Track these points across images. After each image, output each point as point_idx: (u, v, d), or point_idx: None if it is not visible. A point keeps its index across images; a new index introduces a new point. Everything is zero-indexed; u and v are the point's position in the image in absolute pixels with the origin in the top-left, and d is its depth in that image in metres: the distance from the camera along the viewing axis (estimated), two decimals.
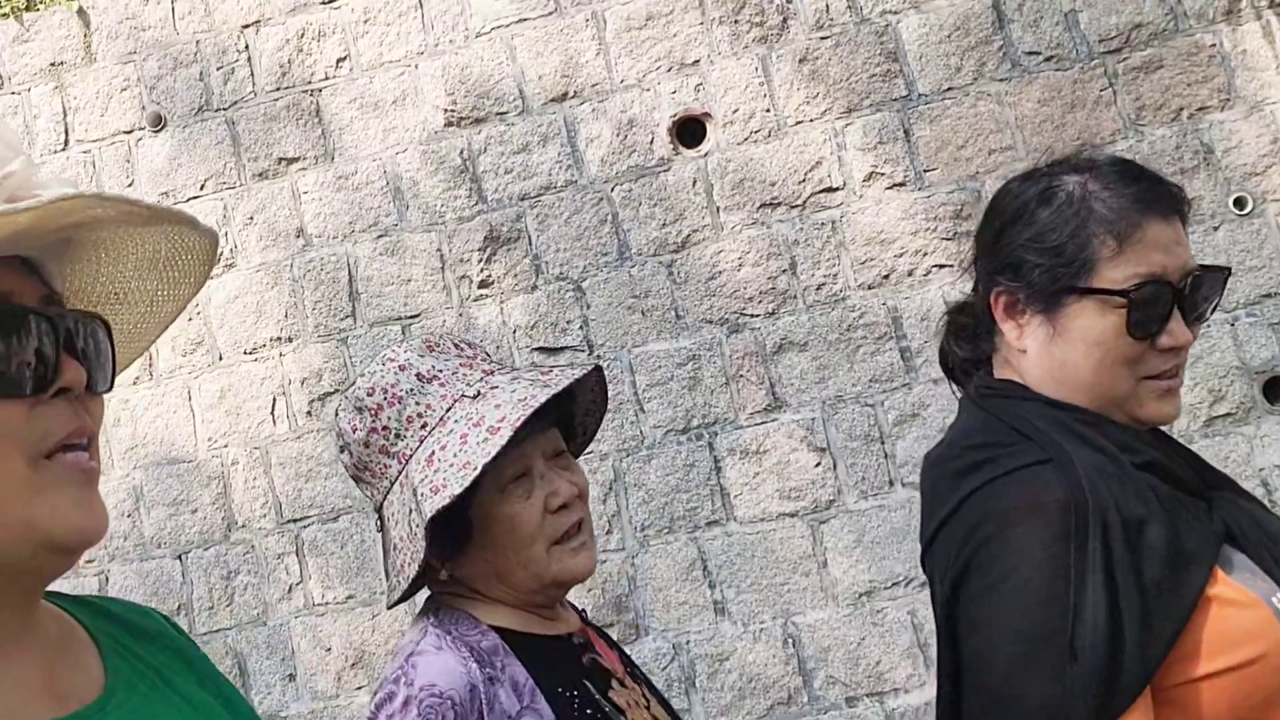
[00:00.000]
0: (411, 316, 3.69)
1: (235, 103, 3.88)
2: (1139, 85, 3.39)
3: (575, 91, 3.67)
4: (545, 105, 3.69)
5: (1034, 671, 1.04)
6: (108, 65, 3.96)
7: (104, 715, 0.78)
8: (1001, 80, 3.45)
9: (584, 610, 1.45)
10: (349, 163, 3.79)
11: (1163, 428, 1.25)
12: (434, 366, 1.30)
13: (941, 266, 3.39)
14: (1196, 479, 1.19)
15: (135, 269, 0.85)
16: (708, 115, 3.60)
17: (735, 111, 3.57)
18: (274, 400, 3.71)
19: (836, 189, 3.49)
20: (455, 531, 1.25)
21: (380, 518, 1.32)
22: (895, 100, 3.49)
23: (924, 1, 3.52)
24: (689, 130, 3.62)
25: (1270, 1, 3.42)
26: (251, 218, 3.81)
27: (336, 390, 3.68)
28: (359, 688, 3.51)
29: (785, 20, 3.58)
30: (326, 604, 3.57)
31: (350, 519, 3.60)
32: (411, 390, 1.28)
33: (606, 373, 1.45)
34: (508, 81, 3.72)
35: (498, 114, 3.71)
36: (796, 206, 3.50)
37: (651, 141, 3.61)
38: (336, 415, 1.33)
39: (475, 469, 1.18)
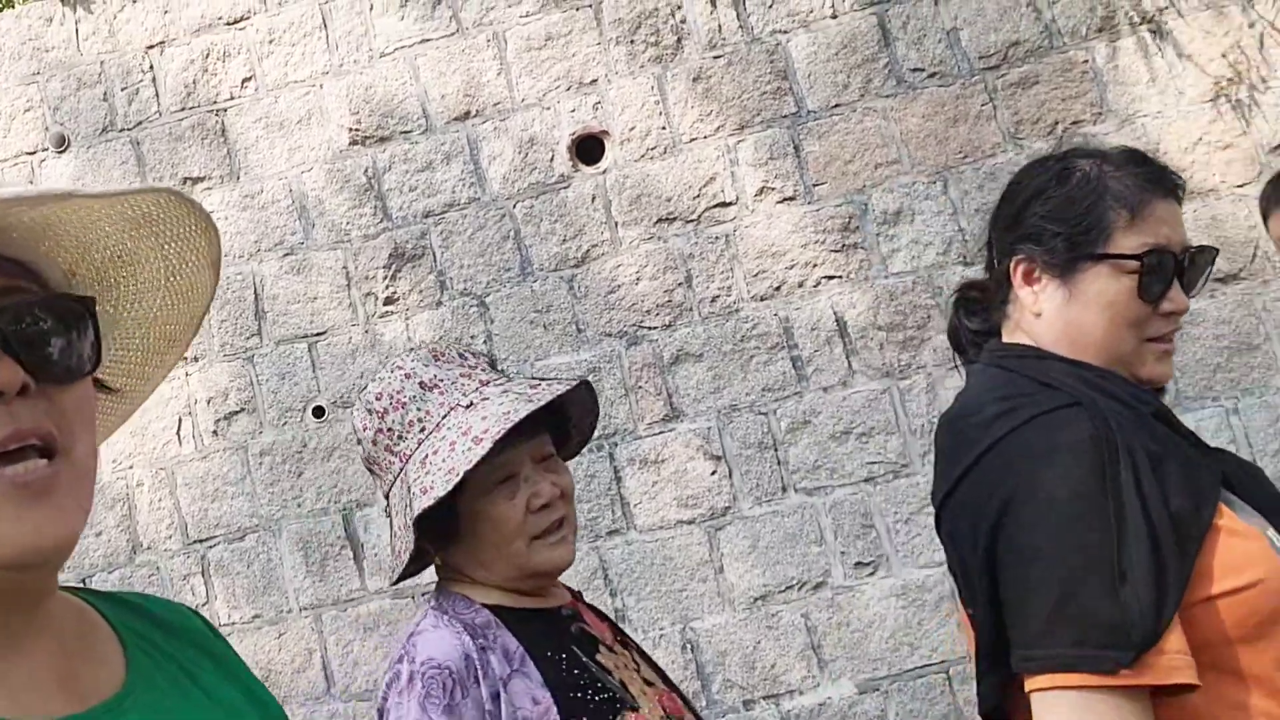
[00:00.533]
0: (318, 334, 3.72)
1: (140, 123, 3.89)
2: (1017, 100, 3.52)
3: (477, 110, 3.73)
4: (448, 124, 3.74)
5: (1091, 591, 1.11)
6: (10, 86, 3.95)
7: (120, 712, 0.76)
8: (887, 96, 3.57)
9: (580, 591, 1.58)
10: (254, 182, 3.82)
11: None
12: (436, 375, 1.43)
13: (830, 278, 3.49)
14: (1193, 435, 1.31)
15: (117, 228, 0.77)
16: (606, 133, 3.67)
17: (632, 129, 3.65)
18: (179, 420, 3.71)
19: (730, 204, 3.57)
20: (445, 525, 1.41)
21: (389, 505, 1.48)
22: (785, 117, 3.59)
23: (813, 21, 3.63)
24: (588, 148, 3.69)
25: (1142, 18, 3.57)
26: None
27: (242, 410, 3.69)
28: None
29: (679, 40, 3.67)
30: (233, 623, 3.57)
31: (256, 538, 3.61)
32: (414, 397, 1.41)
33: None
34: (411, 101, 3.77)
35: (402, 133, 3.76)
36: (691, 221, 3.58)
37: (552, 159, 3.68)
38: (353, 413, 1.50)
39: (457, 475, 1.33)
